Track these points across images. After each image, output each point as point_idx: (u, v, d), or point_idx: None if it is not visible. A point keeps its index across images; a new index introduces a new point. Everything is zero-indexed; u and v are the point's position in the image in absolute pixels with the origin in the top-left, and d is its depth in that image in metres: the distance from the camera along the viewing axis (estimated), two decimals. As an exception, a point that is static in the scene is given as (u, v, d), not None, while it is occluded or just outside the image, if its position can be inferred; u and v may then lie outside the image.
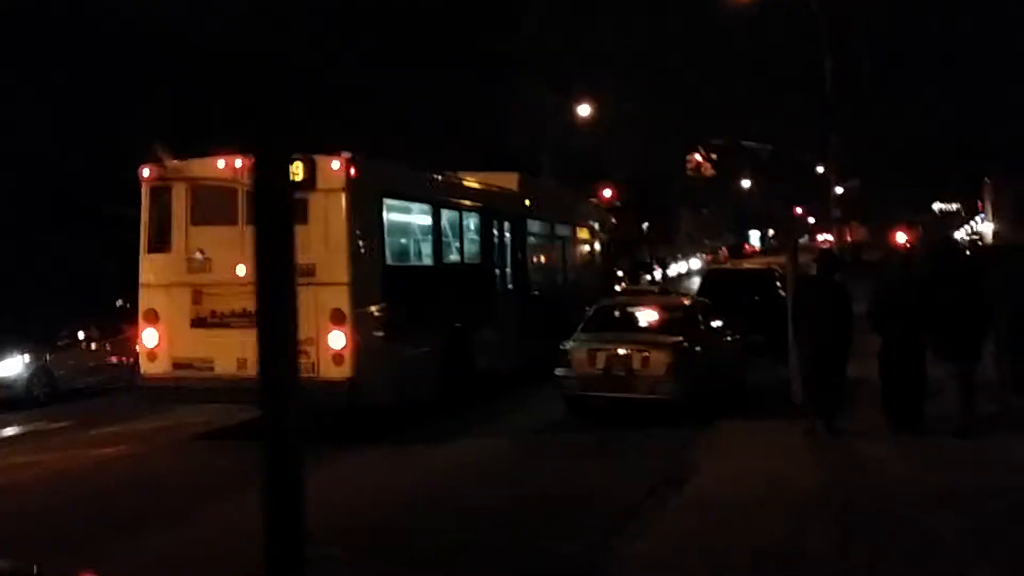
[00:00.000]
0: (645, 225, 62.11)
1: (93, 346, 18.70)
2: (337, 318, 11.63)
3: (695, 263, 73.62)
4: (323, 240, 11.74)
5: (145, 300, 12.44)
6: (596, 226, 22.66)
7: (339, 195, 11.73)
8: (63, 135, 22.19)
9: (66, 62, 22.71)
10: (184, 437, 12.73)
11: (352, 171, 11.74)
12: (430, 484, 10.08)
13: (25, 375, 17.32)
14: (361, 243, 11.98)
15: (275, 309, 2.30)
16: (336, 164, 11.71)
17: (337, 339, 11.62)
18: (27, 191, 22.34)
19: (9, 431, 14.57)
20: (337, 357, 11.62)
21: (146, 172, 12.44)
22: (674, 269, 67.53)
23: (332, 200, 11.74)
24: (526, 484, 10.00)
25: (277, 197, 2.30)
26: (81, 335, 18.54)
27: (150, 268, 12.48)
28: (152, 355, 12.35)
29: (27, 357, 17.45)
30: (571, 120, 34.72)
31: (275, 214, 2.31)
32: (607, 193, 35.79)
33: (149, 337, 12.37)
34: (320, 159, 11.74)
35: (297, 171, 11.65)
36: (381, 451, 11.61)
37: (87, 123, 22.64)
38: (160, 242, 12.39)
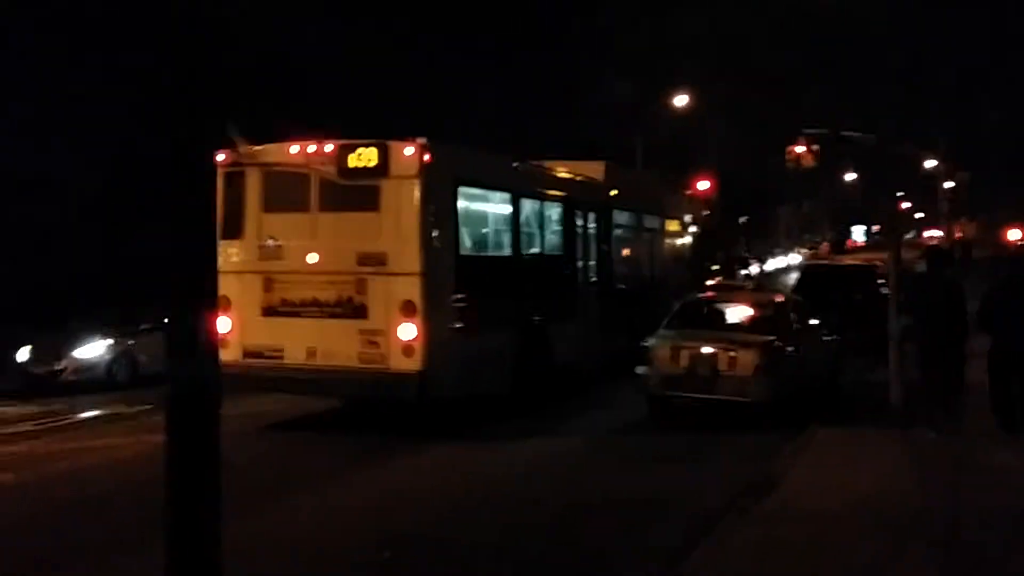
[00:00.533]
0: (742, 219, 60.69)
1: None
2: (408, 309, 11.25)
3: (794, 258, 71.69)
4: (395, 229, 11.38)
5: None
6: (688, 218, 21.90)
7: (412, 182, 11.33)
8: (145, 117, 22.34)
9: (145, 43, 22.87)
10: (255, 426, 12.51)
11: (426, 157, 11.33)
12: (493, 485, 9.64)
13: (107, 358, 17.48)
14: (434, 232, 11.57)
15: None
16: (409, 150, 11.31)
17: (408, 330, 11.24)
18: (115, 173, 22.62)
19: (86, 414, 14.62)
20: (408, 349, 11.24)
21: (220, 157, 12.22)
22: (772, 264, 65.90)
23: (405, 187, 11.35)
24: (595, 488, 9.51)
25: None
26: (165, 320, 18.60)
27: (223, 254, 12.18)
28: (223, 342, 12.10)
29: (109, 341, 17.61)
30: (666, 110, 33.87)
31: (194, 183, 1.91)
32: (703, 185, 34.77)
33: (220, 324, 12.13)
34: (393, 145, 11.38)
35: (370, 157, 11.35)
36: (447, 448, 11.22)
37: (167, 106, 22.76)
38: (233, 228, 12.18)
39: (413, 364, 11.22)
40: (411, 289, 11.28)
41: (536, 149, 17.55)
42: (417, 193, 11.34)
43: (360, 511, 8.69)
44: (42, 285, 22.42)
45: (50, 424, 13.53)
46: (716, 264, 47.96)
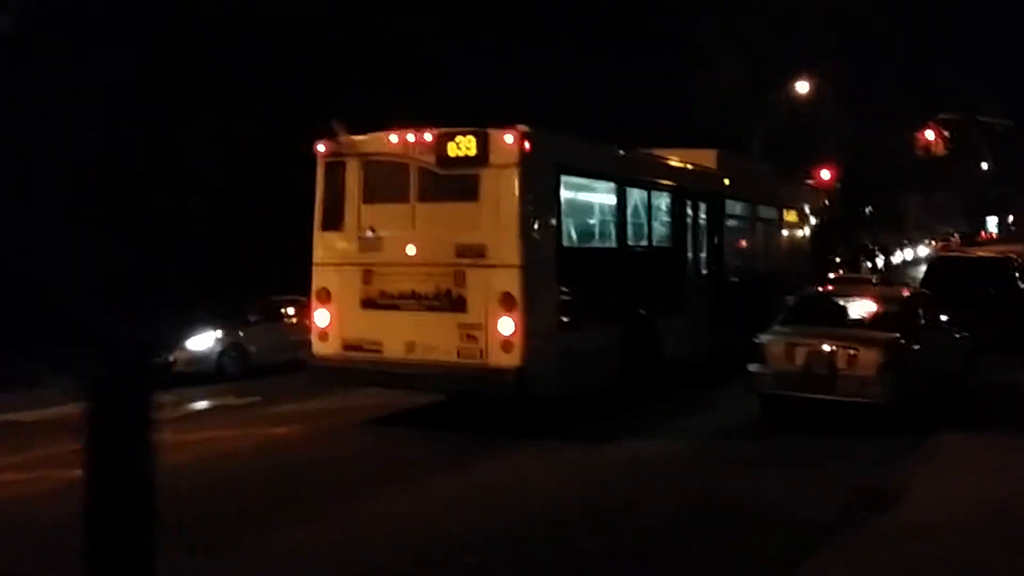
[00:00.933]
0: (868, 209, 58.43)
1: (288, 322, 18.84)
2: (507, 303, 10.89)
3: (923, 250, 68.76)
4: (494, 219, 11.04)
5: (318, 279, 12.16)
6: (807, 208, 20.94)
7: (512, 171, 10.95)
8: (264, 109, 22.65)
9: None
10: (357, 420, 12.41)
11: (526, 145, 10.94)
12: (589, 486, 9.24)
13: (217, 350, 17.72)
14: (535, 223, 11.18)
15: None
16: (510, 138, 10.94)
17: (507, 325, 10.88)
18: (230, 166, 22.95)
19: (194, 406, 14.77)
20: (506, 344, 10.89)
21: (321, 147, 12.13)
22: (899, 256, 63.36)
23: (504, 176, 10.98)
24: (698, 493, 8.97)
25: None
26: (273, 311, 18.72)
27: (323, 246, 12.18)
28: (323, 335, 12.06)
29: (219, 332, 17.85)
30: (787, 96, 32.60)
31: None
32: (825, 174, 33.37)
33: (321, 317, 12.07)
34: (493, 133, 11.04)
35: (469, 146, 11.04)
36: (546, 446, 10.84)
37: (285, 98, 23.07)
38: (333, 219, 12.05)
39: (512, 360, 10.86)
40: (510, 282, 10.92)
41: (647, 142, 16.97)
42: (517, 182, 10.96)
43: (450, 511, 8.41)
44: (157, 273, 22.92)
45: (159, 417, 13.63)
46: (839, 257, 46.31)
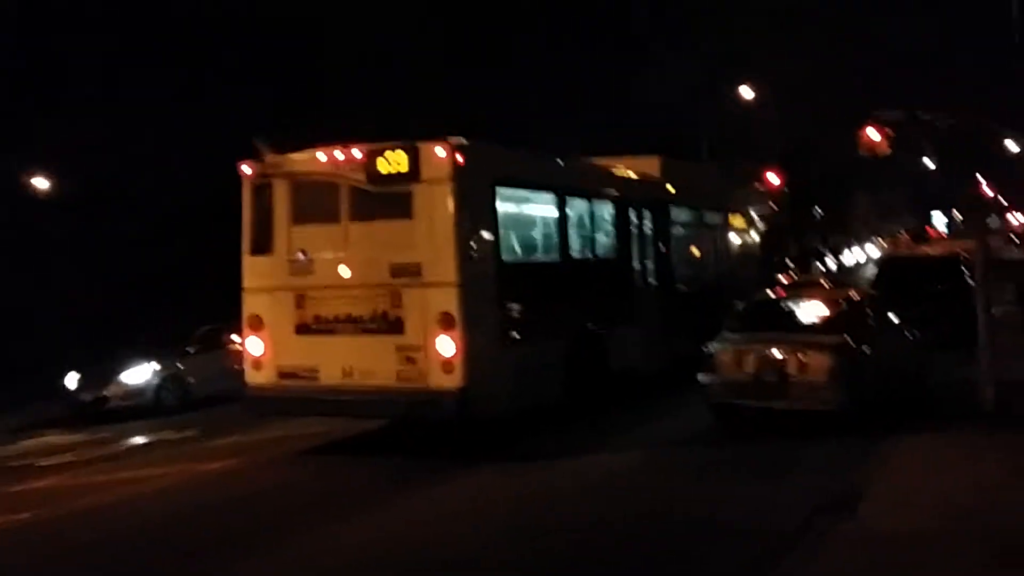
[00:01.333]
0: (817, 210, 58.73)
1: (230, 350, 18.23)
2: (446, 322, 10.47)
3: (872, 250, 69.36)
4: (429, 236, 10.63)
5: (249, 305, 11.65)
6: (755, 212, 20.76)
7: (445, 186, 10.55)
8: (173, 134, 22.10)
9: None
10: (296, 450, 11.91)
11: (459, 158, 10.54)
12: (541, 507, 8.83)
13: (155, 383, 17.11)
14: (472, 238, 10.77)
15: None
16: (441, 151, 10.54)
17: (447, 345, 10.46)
18: (154, 197, 22.40)
19: (130, 442, 14.20)
20: (447, 365, 10.46)
21: (247, 169, 11.63)
22: (850, 257, 63.81)
23: (437, 192, 10.58)
24: (653, 508, 8.63)
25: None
26: (213, 340, 18.11)
27: (253, 271, 11.68)
28: (257, 364, 11.55)
29: (156, 364, 17.22)
30: (732, 97, 32.50)
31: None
32: (773, 178, 33.36)
33: (253, 345, 11.57)
34: (423, 146, 10.63)
35: (400, 161, 10.63)
36: (494, 467, 10.43)
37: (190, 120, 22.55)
38: (262, 243, 11.56)
39: (453, 381, 10.45)
40: (448, 300, 10.51)
41: (591, 149, 16.66)
42: (451, 197, 10.56)
43: (395, 540, 8.01)
44: (93, 307, 22.28)
45: (89, 455, 13.05)
46: (790, 260, 46.46)
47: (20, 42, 22.94)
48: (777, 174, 33.84)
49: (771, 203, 24.89)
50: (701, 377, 11.80)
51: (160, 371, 17.26)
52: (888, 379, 11.98)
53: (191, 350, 17.90)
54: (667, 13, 30.73)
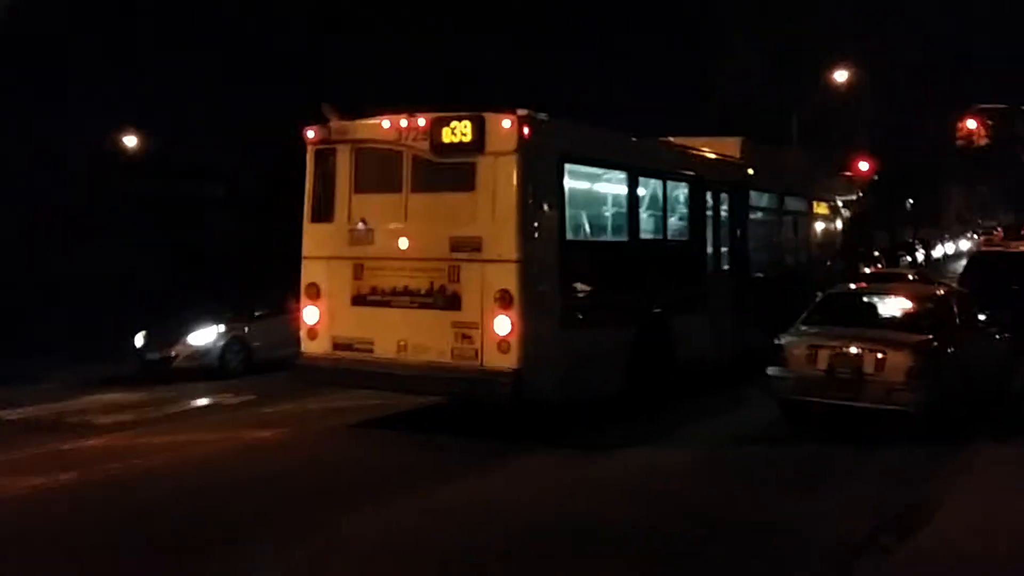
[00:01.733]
0: (909, 202, 56.87)
1: (292, 317, 18.17)
2: (505, 300, 10.09)
3: (964, 244, 67.01)
4: (491, 211, 10.25)
5: (307, 274, 11.44)
6: (840, 200, 19.93)
7: (510, 158, 10.14)
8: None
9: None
10: (348, 423, 11.72)
11: (525, 131, 10.12)
12: (590, 502, 8.43)
13: (219, 345, 17.05)
14: (535, 214, 10.35)
15: None
16: (507, 123, 10.13)
17: (503, 324, 10.09)
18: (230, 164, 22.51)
19: (188, 404, 14.13)
20: (503, 344, 10.10)
21: (310, 134, 11.39)
22: (939, 250, 61.78)
23: (502, 164, 10.18)
24: (704, 510, 8.18)
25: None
26: (280, 305, 18.05)
27: (312, 239, 11.45)
28: (313, 333, 11.35)
29: (222, 327, 17.18)
30: (824, 82, 31.34)
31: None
32: (863, 166, 32.14)
33: (310, 314, 11.37)
34: (489, 117, 10.24)
35: (464, 131, 10.26)
36: (546, 455, 10.04)
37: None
38: (323, 211, 11.32)
39: (508, 362, 10.08)
40: (508, 278, 10.13)
41: (675, 130, 16.10)
42: (515, 170, 10.14)
43: (437, 524, 7.76)
44: (167, 270, 22.55)
45: (146, 415, 13.05)
46: (878, 250, 45.00)
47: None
48: (868, 161, 32.65)
49: (859, 192, 23.97)
50: (771, 371, 11.25)
51: (225, 333, 17.22)
52: (971, 383, 11.29)
53: (257, 314, 17.85)
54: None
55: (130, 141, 27.05)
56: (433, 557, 6.97)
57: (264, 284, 18.75)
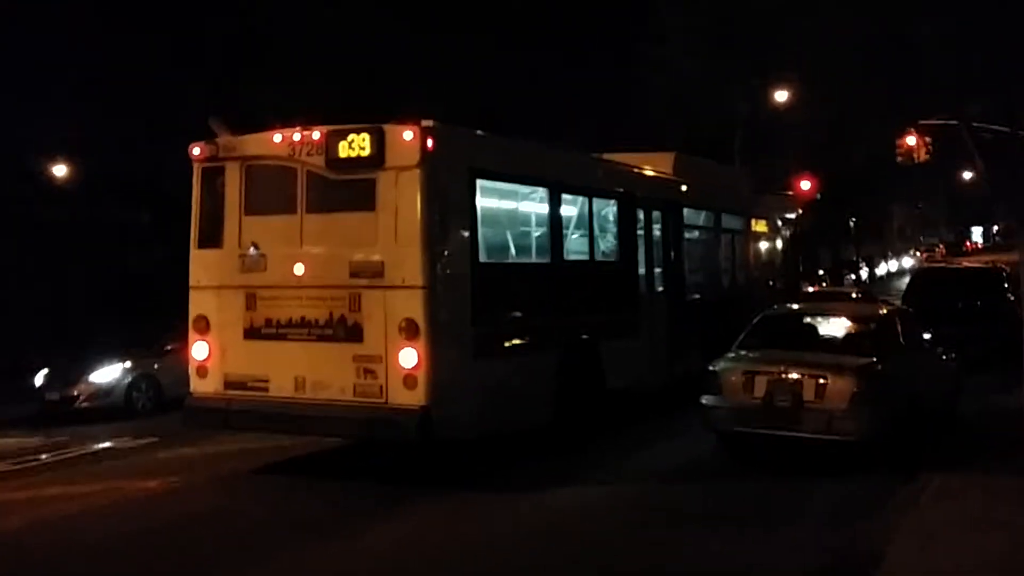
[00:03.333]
0: (852, 220, 56.86)
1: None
2: (410, 330, 9.15)
3: (907, 261, 67.44)
4: (393, 232, 9.30)
5: (195, 305, 10.40)
6: (779, 218, 19.31)
7: (412, 174, 9.22)
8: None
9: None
10: (247, 468, 10.64)
11: (429, 143, 9.21)
12: (498, 552, 7.51)
13: (125, 383, 15.90)
14: (443, 235, 9.43)
15: None
16: (409, 134, 9.21)
17: (409, 357, 9.14)
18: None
19: (77, 450, 12.87)
20: (409, 379, 9.15)
21: (196, 151, 10.37)
22: (883, 268, 62.01)
23: (404, 180, 9.25)
24: (630, 558, 7.32)
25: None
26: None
27: (200, 266, 10.41)
28: (202, 370, 10.29)
29: (128, 363, 16.04)
30: (765, 102, 30.87)
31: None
32: (805, 185, 31.72)
33: (199, 350, 10.32)
34: (390, 129, 9.33)
35: (363, 144, 9.33)
36: (455, 499, 9.12)
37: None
38: (211, 236, 10.30)
39: (415, 398, 9.12)
40: (413, 305, 9.18)
41: (606, 146, 15.30)
42: (419, 187, 9.22)
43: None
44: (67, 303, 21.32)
45: (30, 464, 11.87)
46: (821, 269, 44.69)
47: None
48: (809, 179, 32.22)
49: (800, 209, 23.48)
50: (705, 400, 10.44)
51: (131, 369, 16.08)
52: (918, 408, 10.59)
53: (169, 348, 16.73)
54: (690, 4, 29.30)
55: (59, 169, 25.70)
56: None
57: (178, 315, 17.64)
